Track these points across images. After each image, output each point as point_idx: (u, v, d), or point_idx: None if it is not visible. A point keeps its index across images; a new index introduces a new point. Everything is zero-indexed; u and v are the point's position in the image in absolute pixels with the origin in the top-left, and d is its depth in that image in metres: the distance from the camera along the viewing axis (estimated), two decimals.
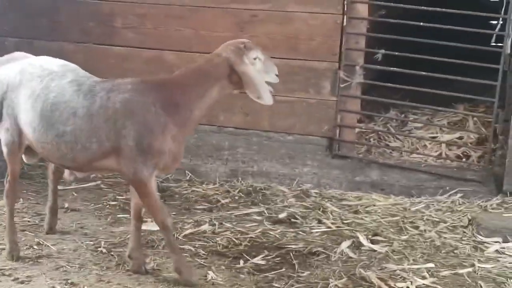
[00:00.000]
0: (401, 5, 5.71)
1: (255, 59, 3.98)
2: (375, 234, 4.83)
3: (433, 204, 5.40)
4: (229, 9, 5.77)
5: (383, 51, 5.69)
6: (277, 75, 4.10)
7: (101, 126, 3.83)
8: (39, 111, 3.92)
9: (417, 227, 4.99)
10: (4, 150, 4.19)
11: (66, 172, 4.30)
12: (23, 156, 4.32)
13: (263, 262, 4.36)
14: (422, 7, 5.58)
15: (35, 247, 4.44)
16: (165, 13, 5.90)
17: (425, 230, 4.93)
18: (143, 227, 4.77)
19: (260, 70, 4.00)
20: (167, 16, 5.90)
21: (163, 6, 5.90)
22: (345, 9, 5.58)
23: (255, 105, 5.67)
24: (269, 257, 4.43)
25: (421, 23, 5.52)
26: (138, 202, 4.05)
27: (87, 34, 6.04)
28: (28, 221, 4.83)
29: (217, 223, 4.94)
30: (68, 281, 3.97)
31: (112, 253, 4.37)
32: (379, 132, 6.30)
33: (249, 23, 5.75)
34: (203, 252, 4.45)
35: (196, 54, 5.74)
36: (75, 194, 5.52)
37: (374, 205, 5.40)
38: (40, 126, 3.93)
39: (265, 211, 5.23)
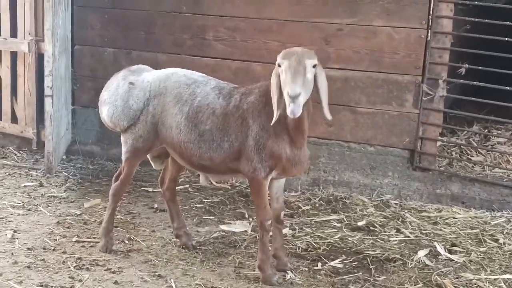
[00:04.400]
0: (486, 20, 5.74)
1: (279, 66, 3.81)
2: (453, 245, 4.89)
3: None
4: (315, 23, 5.94)
5: (466, 65, 5.73)
6: (290, 96, 3.64)
7: (232, 125, 4.10)
8: (186, 113, 4.21)
9: (496, 240, 5.01)
10: (127, 155, 4.42)
11: (202, 177, 4.49)
12: (151, 162, 4.65)
13: (340, 266, 4.51)
14: (507, 22, 5.58)
15: (126, 241, 4.74)
16: (253, 26, 6.14)
17: (504, 243, 4.94)
18: (225, 227, 5.04)
19: (283, 80, 3.77)
20: (255, 29, 6.14)
21: (252, 20, 6.14)
22: (430, 23, 5.68)
23: (339, 116, 5.89)
24: (347, 261, 4.58)
25: (506, 39, 5.53)
26: (277, 207, 4.31)
27: (180, 45, 6.36)
28: (121, 219, 5.14)
29: (297, 227, 5.12)
30: (156, 273, 4.25)
31: (197, 251, 4.61)
32: (461, 146, 6.30)
33: (334, 36, 5.90)
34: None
35: None
36: None
37: (454, 218, 5.43)
38: (185, 127, 4.21)
39: (345, 218, 5.36)
